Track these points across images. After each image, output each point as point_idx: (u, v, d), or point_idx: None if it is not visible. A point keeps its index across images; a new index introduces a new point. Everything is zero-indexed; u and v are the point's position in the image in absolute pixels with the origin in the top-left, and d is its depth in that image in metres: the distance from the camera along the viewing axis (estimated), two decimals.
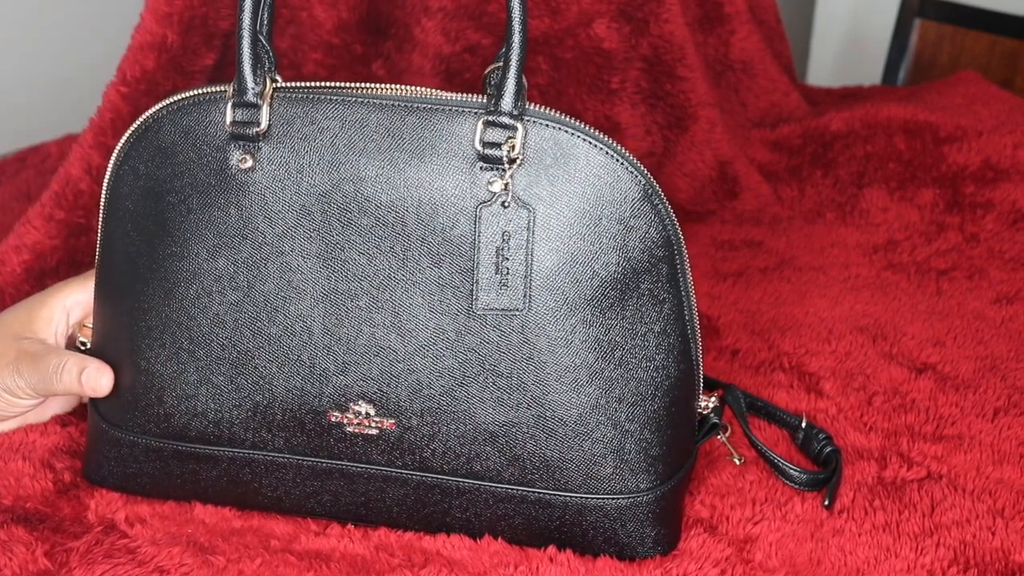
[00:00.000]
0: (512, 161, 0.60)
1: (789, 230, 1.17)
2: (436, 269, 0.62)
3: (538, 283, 0.61)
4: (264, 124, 0.62)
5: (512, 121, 0.60)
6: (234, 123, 0.62)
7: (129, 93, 0.94)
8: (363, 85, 0.63)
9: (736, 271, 1.07)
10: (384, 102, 0.62)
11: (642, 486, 0.65)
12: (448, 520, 0.67)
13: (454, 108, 0.61)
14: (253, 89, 0.62)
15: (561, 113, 0.61)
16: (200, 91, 0.63)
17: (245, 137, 0.62)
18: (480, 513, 0.66)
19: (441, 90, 0.63)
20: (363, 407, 0.64)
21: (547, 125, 0.61)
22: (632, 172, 0.61)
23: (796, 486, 0.73)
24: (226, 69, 1.03)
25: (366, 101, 0.62)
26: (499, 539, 0.67)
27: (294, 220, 0.62)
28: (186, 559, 0.64)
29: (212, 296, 0.64)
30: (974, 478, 0.74)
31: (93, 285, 0.71)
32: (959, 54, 1.70)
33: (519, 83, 0.60)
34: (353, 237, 0.62)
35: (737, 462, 0.75)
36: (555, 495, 0.65)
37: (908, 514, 0.70)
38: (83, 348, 0.71)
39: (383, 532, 0.68)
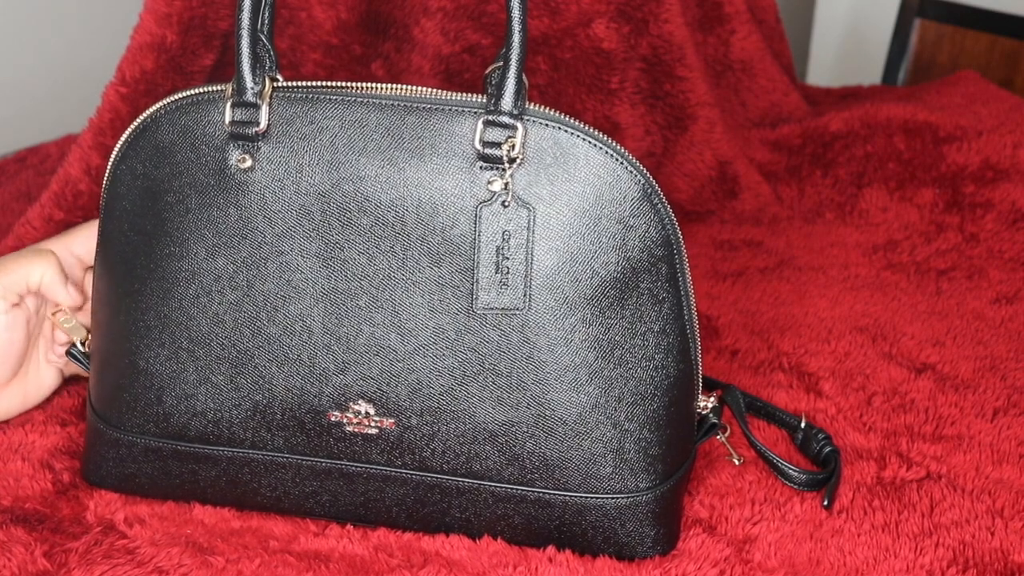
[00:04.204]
0: (512, 160, 0.60)
1: (789, 230, 1.17)
2: (436, 268, 0.62)
3: (538, 282, 0.61)
4: (263, 124, 0.62)
5: (512, 121, 0.60)
6: (233, 123, 0.62)
7: (128, 93, 0.94)
8: (363, 85, 0.63)
9: (735, 271, 1.07)
10: (384, 102, 0.62)
11: (641, 486, 0.65)
12: (447, 520, 0.67)
13: (454, 108, 0.61)
14: (252, 89, 0.62)
15: (561, 113, 0.61)
16: (199, 90, 0.63)
17: (244, 137, 0.62)
18: (479, 513, 0.66)
19: (442, 89, 0.63)
20: (363, 406, 0.64)
21: (547, 125, 0.61)
22: (632, 172, 0.61)
23: (795, 486, 0.73)
24: (225, 69, 1.03)
25: (366, 101, 0.62)
26: (498, 539, 0.67)
27: (294, 220, 0.62)
28: (185, 559, 0.64)
29: (211, 296, 0.64)
30: (973, 478, 0.74)
31: (64, 244, 0.72)
32: (959, 54, 1.70)
33: (519, 83, 0.60)
34: (353, 236, 0.62)
35: (736, 462, 0.75)
36: (555, 494, 0.65)
37: (907, 514, 0.70)
38: (77, 352, 0.72)
39: (382, 532, 0.68)
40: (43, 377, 0.75)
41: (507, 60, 0.60)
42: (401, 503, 0.67)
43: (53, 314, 0.73)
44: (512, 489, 0.65)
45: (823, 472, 0.73)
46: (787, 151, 1.28)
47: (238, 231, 0.63)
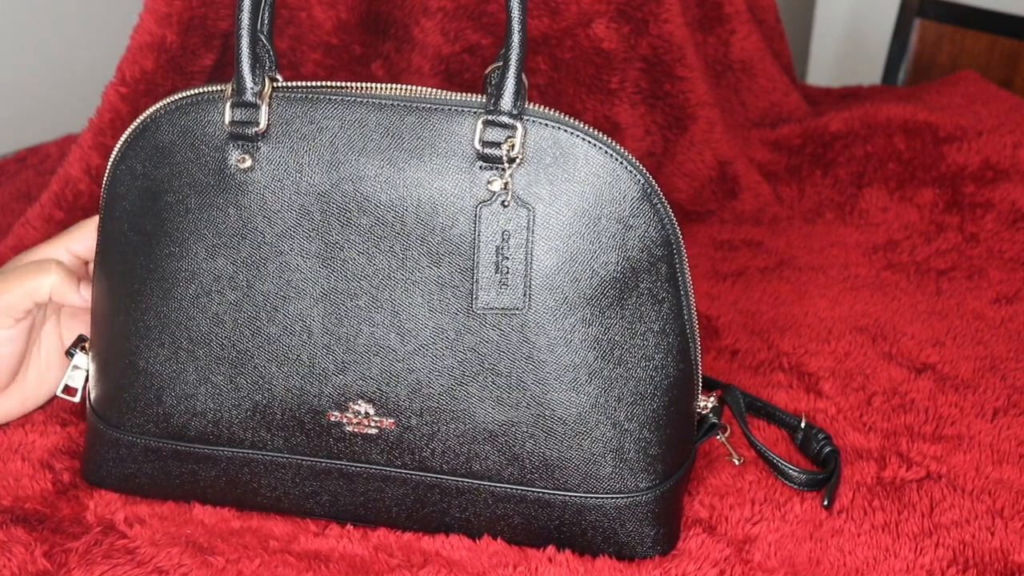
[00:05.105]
0: (512, 160, 0.60)
1: (789, 230, 1.17)
2: (435, 268, 0.62)
3: (538, 282, 0.61)
4: (263, 124, 0.62)
5: (512, 120, 0.60)
6: (233, 123, 0.62)
7: (128, 93, 0.94)
8: (362, 85, 0.63)
9: (735, 271, 1.07)
10: (383, 102, 0.62)
11: (641, 485, 0.65)
12: (447, 520, 0.67)
13: (454, 108, 0.61)
14: (252, 89, 0.62)
15: (561, 113, 0.61)
16: (198, 91, 0.63)
17: (244, 137, 0.62)
18: (479, 513, 0.66)
19: (442, 89, 0.63)
20: (362, 406, 0.64)
21: (547, 124, 0.61)
22: (631, 171, 0.61)
23: (795, 486, 0.72)
24: (225, 69, 1.03)
25: (365, 101, 0.62)
26: (498, 539, 0.67)
27: (293, 220, 0.62)
28: (185, 559, 0.64)
29: (211, 296, 0.64)
30: (973, 478, 0.74)
31: (61, 244, 0.72)
32: (959, 54, 1.70)
33: (519, 82, 0.60)
34: (352, 236, 0.62)
35: (736, 462, 0.75)
36: (554, 494, 0.65)
37: (907, 514, 0.70)
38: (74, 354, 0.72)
39: (382, 532, 0.68)
40: (44, 378, 0.75)
41: (507, 60, 0.60)
42: (401, 503, 0.67)
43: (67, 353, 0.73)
44: (512, 489, 0.65)
45: (823, 472, 0.73)
46: (787, 151, 1.28)
47: (238, 231, 0.63)
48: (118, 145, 0.65)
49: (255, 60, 0.62)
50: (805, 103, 1.38)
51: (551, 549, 0.66)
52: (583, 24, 1.20)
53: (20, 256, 0.73)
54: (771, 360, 0.89)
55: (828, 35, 2.22)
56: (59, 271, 0.70)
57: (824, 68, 2.22)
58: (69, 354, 0.72)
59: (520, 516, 0.66)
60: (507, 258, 0.61)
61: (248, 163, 0.62)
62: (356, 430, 0.65)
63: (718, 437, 0.75)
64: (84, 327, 0.74)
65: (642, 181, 0.61)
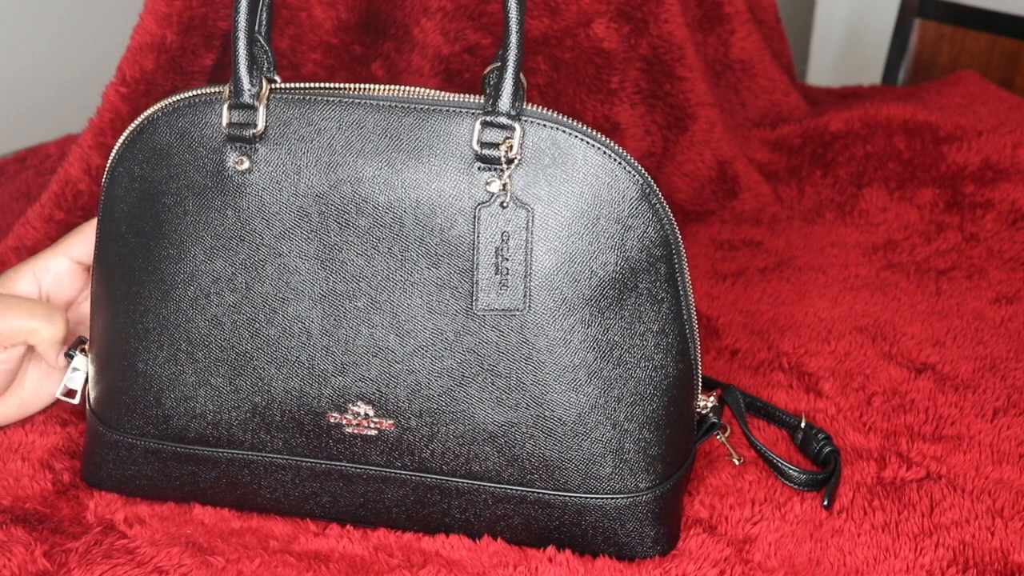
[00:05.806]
0: (510, 161, 0.60)
1: (788, 230, 1.17)
2: (434, 270, 0.62)
3: (537, 283, 0.61)
4: (261, 126, 0.62)
5: (510, 121, 0.60)
6: (230, 125, 0.62)
7: (128, 93, 0.94)
8: (360, 86, 0.63)
9: (735, 271, 1.07)
10: (381, 103, 0.62)
11: (641, 486, 0.65)
12: (447, 521, 0.67)
13: (451, 108, 0.61)
14: (249, 90, 0.62)
15: (559, 113, 0.61)
16: (196, 92, 0.63)
17: (242, 139, 0.62)
18: (479, 513, 0.66)
19: (440, 90, 0.63)
20: (362, 408, 0.64)
21: (545, 125, 0.61)
22: (630, 172, 0.61)
23: (795, 486, 0.73)
24: (225, 69, 1.03)
25: (363, 102, 0.62)
26: (498, 539, 0.67)
27: (292, 221, 0.62)
28: (185, 559, 0.64)
29: (210, 298, 0.64)
30: (973, 478, 0.74)
31: (61, 251, 0.72)
32: (959, 54, 1.70)
33: (517, 83, 0.60)
34: (351, 238, 0.62)
35: (736, 462, 0.75)
36: (554, 495, 0.65)
37: (907, 514, 0.70)
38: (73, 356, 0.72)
39: (382, 533, 0.68)
40: (44, 382, 0.74)
41: (504, 61, 0.60)
42: (401, 504, 0.67)
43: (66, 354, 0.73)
44: (512, 490, 0.65)
45: (823, 472, 0.73)
46: (787, 151, 1.28)
47: (236, 233, 0.63)
48: (116, 147, 0.65)
49: (252, 61, 0.62)
50: (805, 103, 1.37)
51: (551, 549, 0.66)
52: (583, 24, 1.20)
53: (17, 268, 0.72)
54: (771, 360, 0.89)
55: (828, 35, 2.22)
56: (62, 329, 0.70)
57: (824, 68, 2.22)
58: (68, 356, 0.72)
59: (520, 516, 0.66)
60: (506, 259, 0.61)
61: (246, 165, 0.62)
62: (356, 431, 0.65)
63: (718, 437, 0.75)
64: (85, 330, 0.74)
65: (641, 181, 0.61)
